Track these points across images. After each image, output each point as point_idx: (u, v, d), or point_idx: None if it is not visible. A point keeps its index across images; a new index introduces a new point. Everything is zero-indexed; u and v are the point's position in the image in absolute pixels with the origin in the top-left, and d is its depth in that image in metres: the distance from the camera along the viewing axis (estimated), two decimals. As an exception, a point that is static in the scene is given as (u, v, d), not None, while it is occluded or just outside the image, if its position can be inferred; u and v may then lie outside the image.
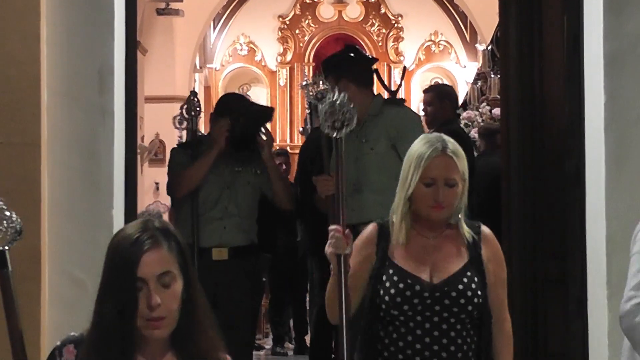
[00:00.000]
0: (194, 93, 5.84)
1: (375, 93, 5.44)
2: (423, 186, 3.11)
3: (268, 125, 5.63)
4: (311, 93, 4.97)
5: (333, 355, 6.02)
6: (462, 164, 3.15)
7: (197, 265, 5.07)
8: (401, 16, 16.67)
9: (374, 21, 16.71)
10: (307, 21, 16.73)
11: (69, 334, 2.36)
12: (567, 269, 4.35)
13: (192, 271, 2.31)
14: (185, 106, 5.66)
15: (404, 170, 3.16)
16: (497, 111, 9.14)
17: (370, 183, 4.98)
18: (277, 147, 11.09)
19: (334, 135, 3.01)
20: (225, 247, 5.22)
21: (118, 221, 4.22)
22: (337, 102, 2.95)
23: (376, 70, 8.74)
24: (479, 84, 11.09)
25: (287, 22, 16.70)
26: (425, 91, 7.11)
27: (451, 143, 3.16)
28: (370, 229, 3.23)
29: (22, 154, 4.03)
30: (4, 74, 4.05)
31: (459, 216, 3.18)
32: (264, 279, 7.34)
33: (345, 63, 5.30)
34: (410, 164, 3.14)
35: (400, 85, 11.25)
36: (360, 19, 16.73)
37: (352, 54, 5.52)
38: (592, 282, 4.14)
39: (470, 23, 15.92)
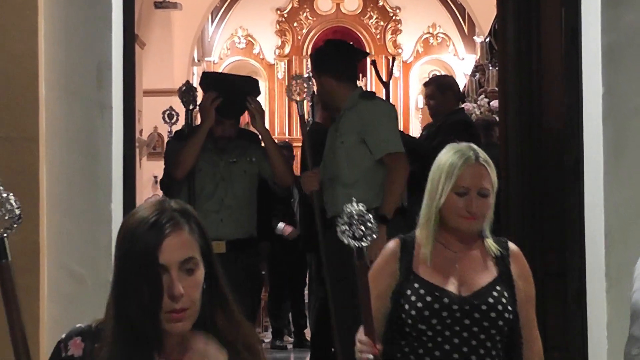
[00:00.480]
0: (189, 85, 5.83)
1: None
2: (455, 196, 2.99)
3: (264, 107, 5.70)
4: (294, 96, 5.21)
5: (333, 349, 6.03)
6: (494, 174, 3.05)
7: None
8: (399, 9, 16.66)
9: (372, 14, 16.70)
10: (305, 14, 16.71)
11: (75, 326, 2.12)
12: (566, 262, 4.35)
13: (213, 256, 2.11)
14: (183, 95, 5.63)
15: (433, 181, 3.03)
16: (495, 103, 9.13)
17: (341, 176, 5.09)
18: (279, 141, 11.09)
19: (356, 245, 2.73)
20: (222, 240, 5.17)
21: (117, 215, 4.22)
22: (355, 214, 2.70)
23: (374, 62, 8.75)
24: (477, 76, 11.10)
25: (285, 15, 16.68)
26: (425, 84, 7.07)
27: (482, 152, 3.05)
28: (392, 245, 3.11)
29: (20, 149, 4.03)
30: (3, 69, 4.05)
31: (486, 229, 3.08)
32: (263, 272, 7.34)
33: (324, 58, 5.40)
34: (440, 173, 3.01)
35: (390, 76, 11.14)
36: (358, 12, 16.71)
37: (332, 49, 5.60)
38: (591, 275, 4.15)
39: (469, 15, 15.90)
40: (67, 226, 4.14)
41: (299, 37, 16.61)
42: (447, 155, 3.04)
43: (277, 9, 16.69)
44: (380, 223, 4.91)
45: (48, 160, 4.12)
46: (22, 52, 4.06)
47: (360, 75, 16.05)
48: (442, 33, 16.63)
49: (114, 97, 4.23)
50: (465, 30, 16.36)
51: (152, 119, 12.79)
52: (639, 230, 4.01)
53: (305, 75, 5.33)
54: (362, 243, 2.70)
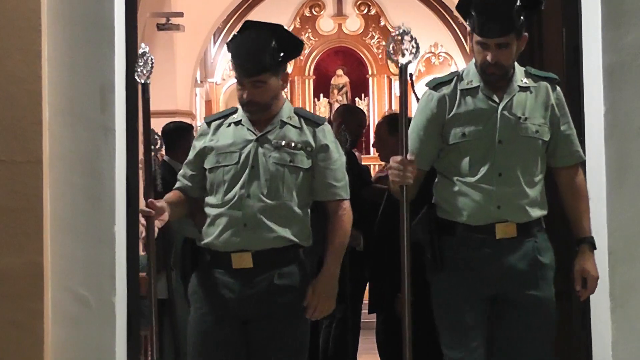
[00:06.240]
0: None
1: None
2: None
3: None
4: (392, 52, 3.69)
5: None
6: None
7: None
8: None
9: (373, 34, 16.74)
10: (307, 34, 16.75)
11: None
12: (570, 282, 4.35)
13: None
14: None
15: None
16: (497, 123, 9.12)
17: (524, 171, 3.79)
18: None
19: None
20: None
21: (120, 237, 4.22)
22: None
23: (411, 75, 8.64)
24: (480, 95, 11.09)
25: (287, 36, 16.71)
26: None
27: None
28: None
29: (24, 172, 4.04)
30: (6, 92, 4.06)
31: None
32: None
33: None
34: None
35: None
36: (360, 32, 16.76)
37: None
38: (595, 295, 4.14)
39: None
40: (71, 248, 4.14)
41: (302, 58, 16.63)
42: None
43: (279, 30, 16.71)
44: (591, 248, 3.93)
45: (52, 182, 4.13)
46: (25, 75, 4.07)
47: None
48: (444, 52, 16.67)
49: (117, 119, 4.24)
50: (467, 49, 16.39)
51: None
52: (642, 249, 4.01)
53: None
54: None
